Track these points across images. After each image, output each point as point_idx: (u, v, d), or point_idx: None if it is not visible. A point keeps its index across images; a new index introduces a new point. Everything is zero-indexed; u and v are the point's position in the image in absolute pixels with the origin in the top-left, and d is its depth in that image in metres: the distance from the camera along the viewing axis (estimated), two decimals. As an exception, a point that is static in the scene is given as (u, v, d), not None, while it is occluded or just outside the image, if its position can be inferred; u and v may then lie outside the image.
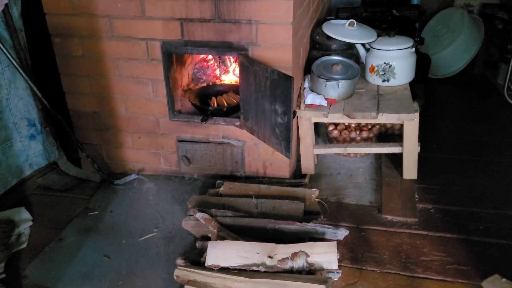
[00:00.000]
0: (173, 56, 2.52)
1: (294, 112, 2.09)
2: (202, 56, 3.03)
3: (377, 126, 2.91)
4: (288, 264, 1.85)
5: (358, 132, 2.88)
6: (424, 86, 3.63)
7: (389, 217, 2.36)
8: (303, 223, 2.08)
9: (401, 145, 2.63)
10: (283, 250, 1.89)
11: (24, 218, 2.45)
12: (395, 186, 2.60)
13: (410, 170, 2.62)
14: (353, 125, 2.91)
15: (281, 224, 2.09)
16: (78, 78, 2.63)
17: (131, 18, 2.40)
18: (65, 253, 2.24)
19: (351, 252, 2.14)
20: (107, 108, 2.68)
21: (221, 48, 2.35)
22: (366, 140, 2.89)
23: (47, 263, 2.18)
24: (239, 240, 2.01)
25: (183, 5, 2.30)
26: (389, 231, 2.27)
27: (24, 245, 2.29)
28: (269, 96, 2.16)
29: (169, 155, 2.74)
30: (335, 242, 1.88)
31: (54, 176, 2.85)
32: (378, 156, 2.93)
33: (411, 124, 2.51)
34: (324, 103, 2.60)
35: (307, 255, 1.86)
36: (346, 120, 2.64)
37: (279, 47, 2.29)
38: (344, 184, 2.69)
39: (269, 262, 1.87)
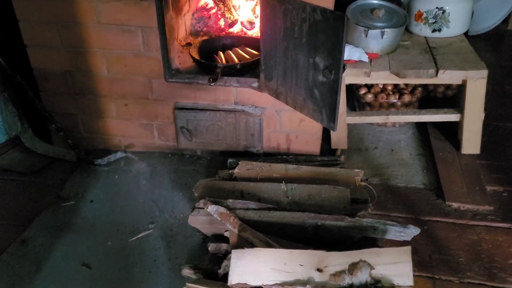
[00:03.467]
0: (168, -4, 1.89)
1: (344, 67, 1.51)
2: (201, 3, 2.41)
3: (420, 89, 2.35)
4: (346, 280, 1.31)
5: (397, 96, 2.32)
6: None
7: (455, 205, 1.83)
8: (356, 217, 1.53)
9: (459, 112, 2.09)
10: (337, 260, 1.35)
11: (-25, 212, 1.86)
12: (453, 163, 2.06)
13: (471, 143, 2.08)
14: (389, 88, 2.36)
15: (326, 219, 1.54)
16: (43, 26, 1.99)
17: None
18: (30, 261, 1.66)
19: (415, 254, 1.61)
20: (83, 66, 2.05)
21: (236, -19, 1.73)
22: (407, 105, 2.33)
23: (5, 275, 1.60)
24: (270, 243, 1.46)
25: None
26: (460, 224, 1.74)
27: (-25, 250, 1.71)
28: (306, 45, 1.57)
29: (164, 127, 2.14)
30: (409, 247, 1.34)
31: (16, 154, 2.24)
32: (420, 125, 2.39)
33: (476, 85, 1.96)
34: (365, 58, 2.02)
35: (371, 267, 1.32)
36: (392, 81, 2.07)
37: (315, -22, 1.68)
38: (386, 161, 2.15)
39: (318, 277, 1.32)
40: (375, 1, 2.19)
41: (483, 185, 1.91)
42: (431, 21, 2.22)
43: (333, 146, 2.19)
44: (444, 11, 2.18)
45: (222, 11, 2.39)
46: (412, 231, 1.53)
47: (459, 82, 2.01)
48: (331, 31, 1.45)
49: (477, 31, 3.56)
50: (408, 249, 1.34)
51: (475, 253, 1.61)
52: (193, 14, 2.35)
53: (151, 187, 2.00)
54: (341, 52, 1.44)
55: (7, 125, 2.26)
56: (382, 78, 2.00)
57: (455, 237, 1.68)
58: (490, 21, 3.57)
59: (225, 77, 1.92)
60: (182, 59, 2.12)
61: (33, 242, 1.74)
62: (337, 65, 1.46)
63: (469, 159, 2.08)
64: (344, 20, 1.39)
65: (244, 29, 2.35)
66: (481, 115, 2.03)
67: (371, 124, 2.42)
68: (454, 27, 2.22)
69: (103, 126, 2.20)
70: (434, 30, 2.24)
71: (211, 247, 1.60)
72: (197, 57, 2.03)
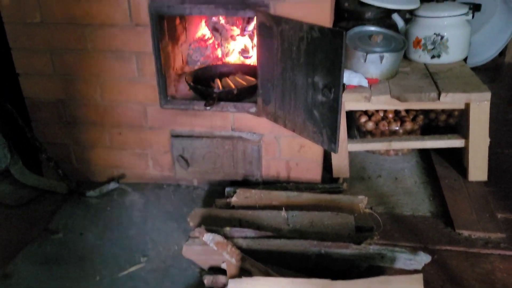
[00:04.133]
0: (164, 23, 1.87)
1: (344, 86, 1.46)
2: (198, 35, 2.40)
3: (421, 116, 2.30)
4: (353, 311, 1.20)
5: (399, 124, 2.26)
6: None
7: (465, 233, 1.73)
8: (362, 245, 1.43)
9: (464, 137, 2.02)
10: (343, 289, 1.24)
11: (-43, 246, 1.75)
12: (460, 190, 1.97)
13: (478, 169, 2.00)
14: (390, 116, 2.30)
15: (330, 247, 1.44)
16: (36, 54, 1.96)
17: (107, -33, 1.75)
18: (13, 297, 1.54)
19: (426, 285, 1.49)
20: (77, 94, 2.00)
21: (232, 5, 1.71)
22: (409, 133, 2.27)
23: (-16, 313, 1.49)
24: (270, 273, 1.35)
25: None
26: (471, 253, 1.64)
27: (-47, 286, 1.59)
28: (304, 64, 1.53)
29: (160, 156, 2.07)
30: (421, 275, 1.24)
31: (6, 187, 2.15)
32: (423, 153, 2.33)
33: (480, 108, 1.91)
34: (365, 83, 1.98)
35: (380, 296, 1.21)
36: (393, 105, 2.03)
37: (312, 1, 1.66)
38: (390, 189, 2.07)
39: (323, 308, 1.21)
40: (373, 28, 2.17)
41: (493, 212, 1.82)
42: (429, 47, 2.20)
43: (335, 174, 2.11)
44: (442, 37, 2.16)
45: (219, 41, 2.38)
46: (423, 258, 1.43)
47: (462, 106, 1.96)
48: (329, 48, 1.41)
49: (475, 63, 3.55)
50: (419, 277, 1.24)
51: (490, 283, 1.50)
52: (190, 45, 2.33)
53: (144, 219, 1.91)
54: (340, 69, 1.39)
55: (-3, 157, 2.19)
56: (383, 102, 1.95)
57: (468, 266, 1.57)
58: (486, 53, 3.57)
59: (222, 102, 1.88)
60: (178, 87, 2.08)
61: (16, 276, 1.63)
62: (336, 82, 1.41)
63: (476, 186, 2.00)
64: (343, 36, 1.35)
65: (242, 58, 2.33)
66: (487, 140, 1.96)
67: (373, 153, 2.35)
68: (453, 53, 2.19)
69: (96, 156, 2.13)
70: (433, 56, 2.21)
71: (207, 280, 1.49)
72: (193, 84, 1.99)
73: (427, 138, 2.10)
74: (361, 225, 1.64)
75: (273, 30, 1.60)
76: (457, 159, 2.15)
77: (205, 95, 1.90)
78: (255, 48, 2.30)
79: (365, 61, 2.00)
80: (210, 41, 2.39)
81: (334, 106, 1.45)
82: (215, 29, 2.37)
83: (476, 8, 2.26)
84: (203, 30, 2.41)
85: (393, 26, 2.29)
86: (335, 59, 1.40)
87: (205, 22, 2.40)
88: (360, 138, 2.35)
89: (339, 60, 1.39)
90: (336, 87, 1.42)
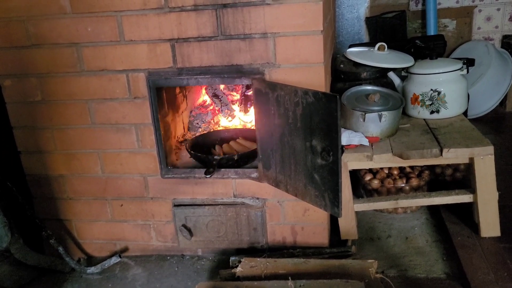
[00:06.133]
0: (163, 93, 1.91)
1: (342, 148, 1.45)
2: (199, 101, 2.44)
3: (427, 172, 2.27)
4: None
5: (404, 181, 2.23)
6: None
7: (484, 294, 1.64)
8: (375, 315, 1.35)
9: (472, 192, 1.97)
10: None
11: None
12: (474, 248, 1.89)
13: (490, 224, 1.93)
14: (396, 172, 2.27)
15: (341, 319, 1.36)
16: (38, 132, 1.98)
17: (106, 45, 1.81)
18: None
19: None
20: (78, 168, 2.01)
21: (228, 74, 1.75)
22: (416, 190, 2.23)
23: None
24: None
25: (174, 20, 1.73)
26: (493, 316, 1.54)
27: None
28: (301, 128, 1.52)
29: (162, 227, 2.03)
30: None
31: (5, 268, 2.09)
32: (433, 210, 2.27)
33: (485, 162, 1.87)
34: (365, 141, 1.97)
35: None
36: (396, 163, 2.00)
37: (306, 66, 1.69)
38: (401, 250, 1.99)
39: None
40: (370, 87, 2.20)
41: (511, 271, 1.73)
42: (427, 103, 2.20)
43: (343, 236, 2.05)
44: (439, 93, 2.18)
45: (219, 107, 2.41)
46: (440, 326, 1.33)
47: (466, 161, 1.92)
48: (325, 112, 1.41)
49: (476, 115, 3.56)
50: None
51: None
52: (191, 112, 2.37)
53: (147, 294, 1.84)
54: (337, 132, 1.39)
55: (-2, 236, 2.15)
56: (385, 161, 1.93)
57: (491, 331, 1.48)
58: (487, 104, 3.59)
59: (223, 169, 1.86)
60: (179, 155, 2.08)
61: None
62: (334, 145, 1.40)
63: (490, 242, 1.92)
64: (337, 100, 1.36)
65: (242, 122, 2.35)
66: (495, 194, 1.91)
67: (382, 211, 2.30)
68: (452, 108, 2.19)
69: (97, 230, 2.09)
70: (432, 112, 2.21)
71: None
72: (194, 151, 1.99)
73: (434, 195, 2.05)
74: (372, 291, 1.56)
75: (269, 96, 1.62)
76: (467, 215, 2.08)
77: (205, 163, 1.89)
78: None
79: (364, 120, 2.01)
80: (211, 107, 2.42)
81: (334, 169, 1.43)
82: (215, 95, 2.41)
83: (470, 62, 2.29)
84: (204, 97, 2.46)
85: (389, 84, 2.32)
86: (331, 122, 1.40)
87: (205, 89, 2.44)
88: (366, 196, 2.31)
89: (335, 123, 1.38)
90: (334, 149, 1.41)
